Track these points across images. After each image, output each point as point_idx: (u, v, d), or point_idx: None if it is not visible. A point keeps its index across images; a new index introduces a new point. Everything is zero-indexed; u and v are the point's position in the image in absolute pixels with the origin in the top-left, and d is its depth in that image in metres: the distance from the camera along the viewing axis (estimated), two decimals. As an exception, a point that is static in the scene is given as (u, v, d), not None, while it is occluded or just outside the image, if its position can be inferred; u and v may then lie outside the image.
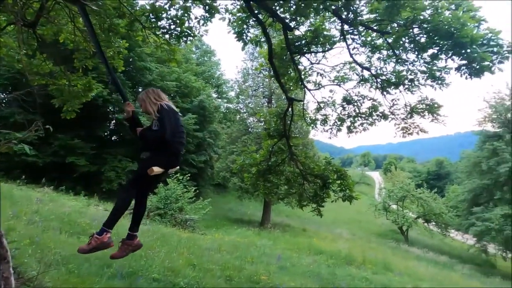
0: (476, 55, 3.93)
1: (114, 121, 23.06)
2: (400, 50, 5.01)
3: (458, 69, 4.36)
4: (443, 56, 4.49)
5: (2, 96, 20.31)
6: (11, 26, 4.65)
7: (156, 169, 2.75)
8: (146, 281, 4.81)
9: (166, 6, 4.82)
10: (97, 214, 9.40)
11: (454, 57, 4.30)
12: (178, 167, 3.07)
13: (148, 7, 4.84)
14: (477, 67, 4.07)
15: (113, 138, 24.10)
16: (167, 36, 5.17)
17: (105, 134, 23.37)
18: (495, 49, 3.95)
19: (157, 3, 4.80)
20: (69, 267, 4.45)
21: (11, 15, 4.30)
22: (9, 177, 14.30)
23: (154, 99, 2.95)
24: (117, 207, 2.84)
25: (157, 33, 5.12)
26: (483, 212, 23.54)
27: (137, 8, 5.03)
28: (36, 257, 4.41)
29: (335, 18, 5.32)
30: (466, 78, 4.26)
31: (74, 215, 8.06)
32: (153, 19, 4.92)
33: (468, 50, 4.01)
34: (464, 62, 4.24)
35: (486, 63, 4.00)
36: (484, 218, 22.83)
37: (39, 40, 4.79)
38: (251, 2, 4.79)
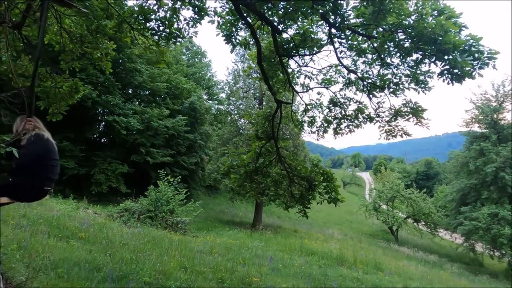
0: (458, 60, 4.01)
1: (103, 123, 22.84)
2: (385, 54, 5.11)
3: (440, 74, 4.45)
4: (426, 60, 4.59)
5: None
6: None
7: (3, 200, 2.48)
8: (137, 285, 4.76)
9: (155, 8, 4.83)
10: (86, 218, 9.29)
11: (437, 62, 4.39)
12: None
13: (136, 8, 4.83)
14: (459, 72, 4.16)
15: (102, 140, 23.87)
16: (156, 37, 5.16)
17: (95, 136, 23.15)
18: (476, 55, 4.04)
19: (146, 4, 4.80)
20: (58, 272, 4.38)
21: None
22: (-5, 180, 14.01)
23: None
24: None
25: (146, 34, 5.11)
26: (470, 212, 23.85)
27: (126, 9, 5.01)
28: (24, 262, 4.34)
29: (323, 22, 5.39)
30: (448, 83, 4.37)
31: (63, 219, 7.95)
32: (142, 20, 4.91)
33: (451, 56, 4.10)
34: (446, 67, 4.32)
35: (467, 68, 4.08)
36: (472, 218, 23.12)
37: (25, 41, 4.73)
38: (240, 5, 4.83)
